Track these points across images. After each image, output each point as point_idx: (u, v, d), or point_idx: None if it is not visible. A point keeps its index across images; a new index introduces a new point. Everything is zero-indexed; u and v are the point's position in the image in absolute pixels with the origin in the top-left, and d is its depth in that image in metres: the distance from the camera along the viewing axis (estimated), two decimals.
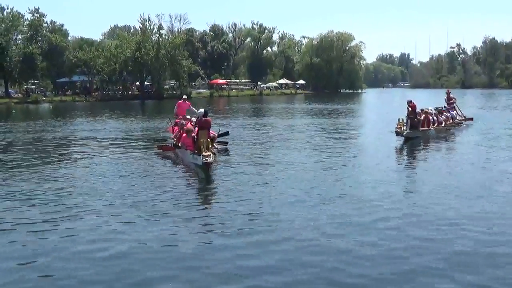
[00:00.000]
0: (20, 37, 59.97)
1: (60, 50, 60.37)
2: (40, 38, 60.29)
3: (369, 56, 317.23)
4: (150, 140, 17.10)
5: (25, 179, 10.35)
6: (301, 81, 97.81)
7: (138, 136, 19.73)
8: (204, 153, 10.54)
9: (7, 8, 56.76)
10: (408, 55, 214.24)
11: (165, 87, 68.01)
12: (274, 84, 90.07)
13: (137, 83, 67.37)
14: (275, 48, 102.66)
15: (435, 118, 18.66)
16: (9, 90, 57.28)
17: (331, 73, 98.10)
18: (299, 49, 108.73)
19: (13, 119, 30.74)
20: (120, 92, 63.93)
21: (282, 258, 5.78)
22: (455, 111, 22.65)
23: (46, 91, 61.99)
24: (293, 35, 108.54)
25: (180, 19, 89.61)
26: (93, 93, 60.81)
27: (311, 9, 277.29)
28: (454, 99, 23.67)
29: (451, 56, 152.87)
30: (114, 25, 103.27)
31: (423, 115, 17.95)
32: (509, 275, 5.31)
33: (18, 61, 55.13)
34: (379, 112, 36.86)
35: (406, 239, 6.43)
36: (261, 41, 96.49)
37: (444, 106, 22.21)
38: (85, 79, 65.12)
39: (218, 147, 14.23)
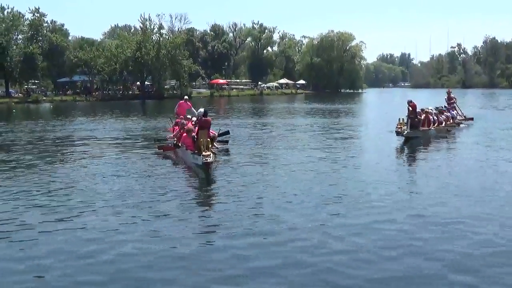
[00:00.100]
0: (21, 37, 60.15)
1: (60, 50, 60.53)
2: (40, 38, 60.46)
3: (370, 56, 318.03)
4: (150, 140, 17.08)
5: (25, 179, 10.37)
6: (302, 81, 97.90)
7: (139, 136, 19.73)
8: (204, 153, 10.54)
9: (8, 8, 56.96)
10: (409, 55, 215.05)
11: (165, 87, 68.09)
12: (275, 84, 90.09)
13: (138, 83, 67.48)
14: (275, 48, 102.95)
15: (435, 118, 18.63)
16: (10, 90, 57.40)
17: (331, 73, 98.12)
18: (299, 49, 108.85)
19: (14, 119, 30.78)
20: (120, 92, 63.98)
21: (282, 259, 5.77)
22: (455, 111, 22.67)
23: (47, 91, 62.05)
24: (293, 35, 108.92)
25: (181, 18, 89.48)
26: (93, 93, 60.86)
27: (311, 9, 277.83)
28: (454, 99, 23.67)
29: (451, 56, 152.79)
30: (115, 25, 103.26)
31: (424, 115, 17.91)
32: (509, 275, 5.30)
33: (19, 61, 55.21)
34: (380, 112, 36.88)
35: (406, 239, 6.43)
36: (262, 41, 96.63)
37: (445, 106, 22.19)
38: (85, 79, 65.20)
39: (219, 146, 14.24)
